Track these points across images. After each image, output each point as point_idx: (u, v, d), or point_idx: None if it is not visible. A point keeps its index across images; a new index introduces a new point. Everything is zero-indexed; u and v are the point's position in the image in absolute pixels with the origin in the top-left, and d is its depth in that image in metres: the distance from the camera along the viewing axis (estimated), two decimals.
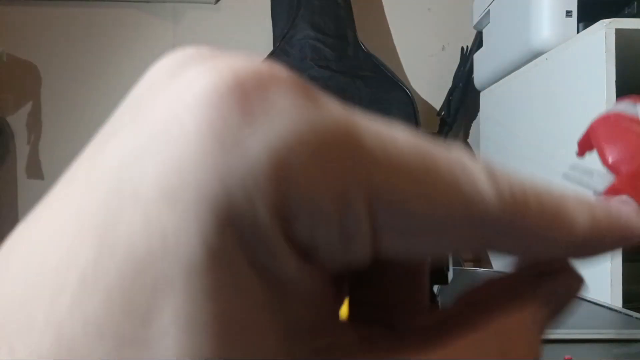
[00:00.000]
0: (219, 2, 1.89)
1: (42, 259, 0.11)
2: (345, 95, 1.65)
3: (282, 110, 0.12)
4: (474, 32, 1.79)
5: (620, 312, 0.77)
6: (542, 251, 0.15)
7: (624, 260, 0.98)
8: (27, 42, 1.83)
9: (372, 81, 1.67)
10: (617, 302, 0.94)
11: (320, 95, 0.13)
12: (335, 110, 0.12)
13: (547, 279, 0.16)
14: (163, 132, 0.11)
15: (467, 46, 1.83)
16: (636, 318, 0.73)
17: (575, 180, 0.22)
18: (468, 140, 1.92)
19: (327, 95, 0.13)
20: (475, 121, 1.89)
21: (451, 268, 0.39)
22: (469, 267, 1.42)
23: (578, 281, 0.17)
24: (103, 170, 0.11)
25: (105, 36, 1.85)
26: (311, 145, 0.11)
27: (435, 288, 0.40)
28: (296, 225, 0.12)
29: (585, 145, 0.24)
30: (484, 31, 1.69)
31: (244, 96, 0.11)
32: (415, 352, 0.13)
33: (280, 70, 0.12)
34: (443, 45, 1.92)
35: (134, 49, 1.86)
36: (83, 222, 0.11)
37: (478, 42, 1.75)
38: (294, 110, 0.12)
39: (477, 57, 1.74)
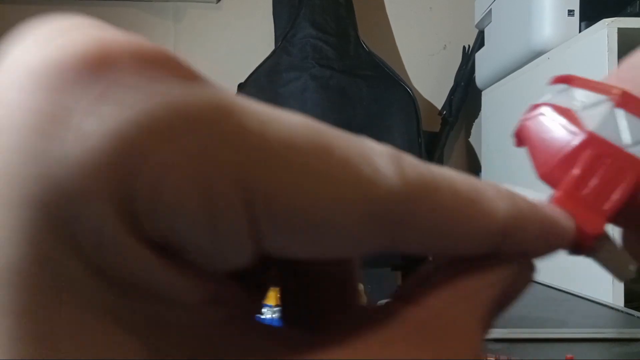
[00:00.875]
0: (220, 2, 1.89)
1: None
2: (346, 94, 1.64)
3: (135, 88, 0.10)
4: (476, 31, 1.79)
5: (621, 312, 0.77)
6: (462, 243, 0.13)
7: None
8: None
9: (374, 80, 1.67)
10: (618, 301, 0.94)
11: (192, 73, 0.11)
12: (206, 89, 0.10)
13: (493, 267, 0.14)
14: None
15: (469, 45, 1.83)
16: (638, 317, 0.73)
17: None
18: (469, 139, 1.92)
19: (202, 75, 0.11)
20: (476, 120, 1.89)
21: None
22: None
23: (528, 268, 0.15)
24: None
25: None
26: (171, 128, 0.10)
27: None
28: (151, 221, 0.10)
29: (520, 139, 0.20)
30: (486, 30, 1.68)
31: (88, 71, 0.10)
32: (327, 352, 0.12)
33: (141, 44, 0.10)
34: (445, 44, 1.92)
35: None
36: None
37: (480, 41, 1.74)
38: (151, 88, 0.10)
39: (479, 56, 1.74)
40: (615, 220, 0.18)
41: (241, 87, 1.66)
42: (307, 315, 0.15)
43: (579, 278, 1.02)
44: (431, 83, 1.90)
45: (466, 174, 0.13)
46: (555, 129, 0.19)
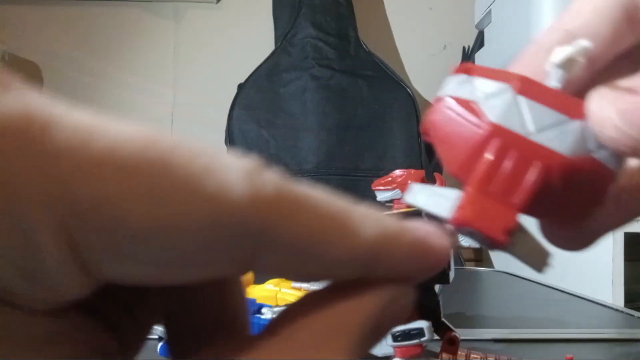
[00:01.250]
0: (221, 2, 1.89)
1: None
2: (347, 94, 1.65)
3: None
4: (476, 31, 1.79)
5: (621, 312, 0.77)
6: (326, 266, 0.13)
7: (626, 260, 0.98)
8: (28, 42, 1.84)
9: (374, 80, 1.67)
10: (618, 301, 0.94)
11: None
12: (13, 97, 0.10)
13: (364, 294, 0.13)
14: None
15: (469, 45, 1.83)
16: (638, 317, 0.73)
17: (419, 203, 0.18)
18: None
19: (15, 81, 0.10)
20: None
21: (453, 267, 0.39)
22: (471, 267, 1.42)
23: (404, 293, 0.14)
24: None
25: (106, 36, 1.85)
26: None
27: (437, 287, 0.40)
28: None
29: (429, 135, 0.19)
30: (486, 30, 1.68)
31: None
32: None
33: None
34: (444, 45, 1.92)
35: (135, 48, 1.86)
36: None
37: (480, 42, 1.74)
38: None
39: (479, 56, 1.74)
40: (528, 211, 0.18)
41: (241, 87, 1.66)
42: (190, 347, 0.14)
43: (579, 278, 1.02)
44: (431, 83, 1.90)
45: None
46: (460, 123, 0.18)
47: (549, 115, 0.17)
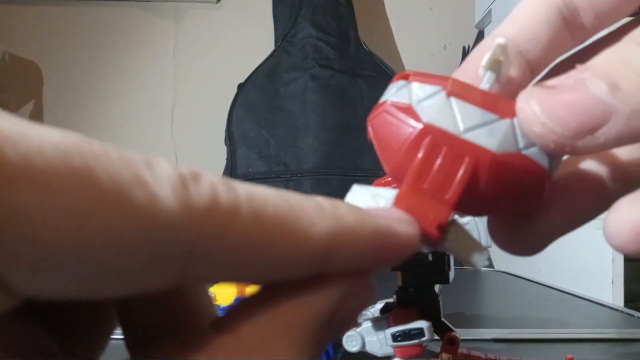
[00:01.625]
0: (221, 2, 1.89)
1: None
2: (347, 94, 1.65)
3: None
4: (476, 31, 1.79)
5: (621, 312, 0.77)
6: (272, 269, 0.12)
7: (626, 260, 0.98)
8: (29, 42, 1.84)
9: (374, 80, 1.67)
10: (618, 301, 0.94)
11: None
12: None
13: (316, 290, 0.13)
14: None
15: (469, 45, 1.83)
16: (638, 317, 0.73)
17: (357, 203, 0.18)
18: None
19: None
20: None
21: (453, 267, 0.39)
22: (471, 267, 1.42)
23: (361, 286, 0.14)
24: None
25: (106, 35, 1.85)
26: None
27: (437, 287, 0.40)
28: None
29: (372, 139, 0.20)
30: (486, 30, 1.68)
31: None
32: None
33: None
34: (445, 45, 1.92)
35: (135, 48, 1.86)
36: None
37: (480, 41, 1.74)
38: None
39: None
40: (463, 208, 0.18)
41: (241, 87, 1.66)
42: (146, 344, 0.14)
43: (579, 278, 1.02)
44: None
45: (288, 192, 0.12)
46: (395, 125, 0.19)
47: (479, 114, 0.18)
